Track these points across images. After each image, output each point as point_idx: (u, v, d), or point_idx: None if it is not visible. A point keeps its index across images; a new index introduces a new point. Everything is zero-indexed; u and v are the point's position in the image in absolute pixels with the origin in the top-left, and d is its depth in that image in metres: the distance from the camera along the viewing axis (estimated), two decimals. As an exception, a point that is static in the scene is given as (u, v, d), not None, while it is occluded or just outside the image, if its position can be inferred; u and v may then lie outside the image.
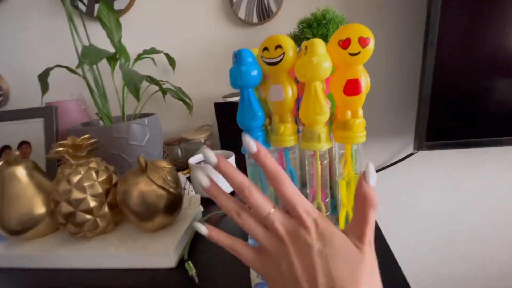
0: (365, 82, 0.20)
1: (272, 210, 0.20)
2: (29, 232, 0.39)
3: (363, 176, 0.19)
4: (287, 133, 0.23)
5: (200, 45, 0.71)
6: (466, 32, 0.53)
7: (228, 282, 0.32)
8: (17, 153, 0.40)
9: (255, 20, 0.65)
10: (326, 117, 0.21)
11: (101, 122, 0.61)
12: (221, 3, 0.67)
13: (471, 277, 0.85)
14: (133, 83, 0.42)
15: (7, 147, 0.56)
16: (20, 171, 0.39)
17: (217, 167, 0.21)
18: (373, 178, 0.19)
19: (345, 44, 0.19)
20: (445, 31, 0.52)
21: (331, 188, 0.30)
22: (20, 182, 0.39)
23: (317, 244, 0.18)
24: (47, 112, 0.56)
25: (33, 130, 0.56)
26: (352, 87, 0.20)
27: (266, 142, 0.24)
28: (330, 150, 0.26)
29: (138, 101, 0.44)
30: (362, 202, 0.19)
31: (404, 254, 0.85)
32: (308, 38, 0.49)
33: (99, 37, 0.60)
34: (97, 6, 0.71)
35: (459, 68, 0.55)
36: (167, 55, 0.66)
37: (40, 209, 0.39)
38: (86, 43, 0.55)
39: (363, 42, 0.19)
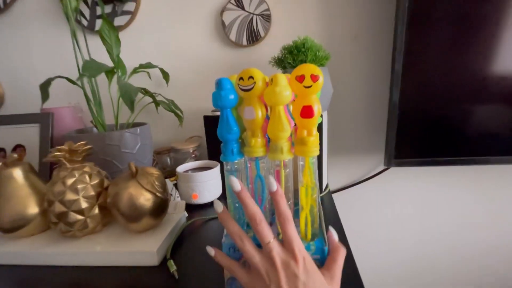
0: (317, 108, 0.25)
1: (272, 240, 0.25)
2: (20, 230, 0.42)
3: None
4: (257, 145, 0.27)
5: (193, 62, 0.77)
6: (429, 63, 0.60)
7: (205, 278, 0.36)
8: (15, 155, 0.43)
9: (244, 42, 0.72)
10: (287, 133, 0.26)
11: (95, 130, 0.64)
12: (214, 25, 0.74)
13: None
14: (128, 96, 0.47)
15: (1, 150, 0.58)
16: (17, 173, 0.42)
17: (238, 193, 0.26)
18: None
19: (300, 79, 0.24)
20: (409, 63, 0.59)
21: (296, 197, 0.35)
22: (16, 183, 0.42)
23: (303, 277, 0.24)
24: (44, 118, 0.59)
25: (29, 134, 0.59)
26: (306, 112, 0.25)
27: (240, 152, 0.29)
28: (295, 163, 0.31)
29: (132, 113, 0.48)
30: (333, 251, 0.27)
31: (376, 267, 0.89)
32: (289, 63, 0.55)
33: (98, 49, 0.65)
34: (98, 21, 0.76)
35: (423, 96, 0.61)
36: (162, 70, 0.71)
37: (32, 209, 0.42)
38: (86, 54, 0.60)
39: (314, 78, 0.24)
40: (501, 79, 0.59)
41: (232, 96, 0.27)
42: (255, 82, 0.26)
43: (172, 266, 0.37)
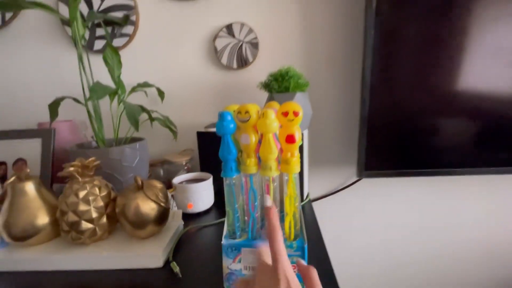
0: (298, 135, 0.33)
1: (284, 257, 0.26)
2: (31, 239, 0.45)
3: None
4: (251, 164, 0.35)
5: (187, 82, 0.84)
6: (396, 82, 0.68)
7: (204, 276, 0.42)
8: (28, 170, 0.47)
9: (235, 66, 0.80)
10: (275, 155, 0.33)
11: (93, 143, 0.69)
12: (207, 50, 0.81)
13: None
14: (133, 117, 0.53)
15: (3, 164, 0.61)
16: (29, 186, 0.47)
17: (267, 209, 0.29)
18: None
19: (285, 114, 0.32)
20: (377, 82, 0.68)
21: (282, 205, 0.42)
22: (28, 196, 0.46)
23: None
24: (46, 134, 0.63)
25: (31, 149, 0.62)
26: (290, 139, 0.33)
27: (238, 169, 0.36)
28: (281, 178, 0.39)
29: (137, 131, 0.54)
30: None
31: (354, 271, 0.97)
32: (275, 89, 0.64)
33: (97, 66, 0.71)
34: (96, 41, 0.81)
35: (390, 112, 0.70)
36: (158, 89, 0.77)
37: (43, 219, 0.46)
38: (88, 74, 0.65)
39: (295, 113, 0.32)
40: (464, 96, 0.67)
41: (231, 125, 0.34)
42: (250, 116, 0.33)
43: (176, 267, 0.42)
